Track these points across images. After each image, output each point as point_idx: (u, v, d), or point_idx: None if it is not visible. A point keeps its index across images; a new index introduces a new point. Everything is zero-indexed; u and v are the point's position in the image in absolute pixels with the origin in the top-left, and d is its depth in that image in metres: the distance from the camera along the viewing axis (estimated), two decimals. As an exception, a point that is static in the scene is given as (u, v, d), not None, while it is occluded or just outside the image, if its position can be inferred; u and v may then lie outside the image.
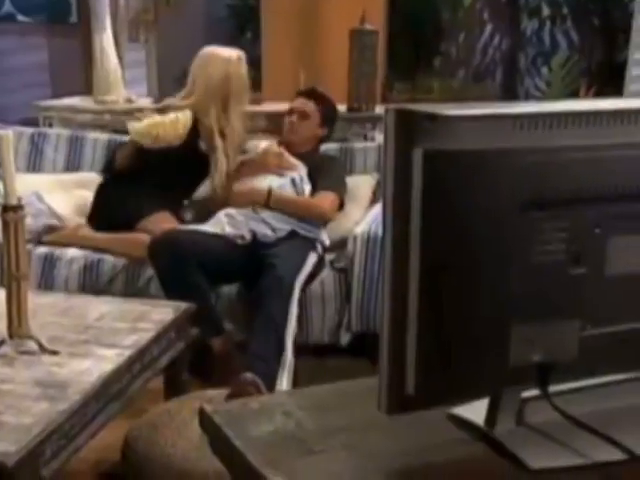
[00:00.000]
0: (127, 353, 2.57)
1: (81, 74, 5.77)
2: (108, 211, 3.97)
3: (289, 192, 3.86)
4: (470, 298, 1.08)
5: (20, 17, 6.39)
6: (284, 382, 3.31)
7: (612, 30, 6.18)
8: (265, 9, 5.47)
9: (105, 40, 4.88)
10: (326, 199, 3.84)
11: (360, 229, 3.61)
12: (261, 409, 1.29)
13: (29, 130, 4.70)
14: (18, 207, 2.48)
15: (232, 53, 4.06)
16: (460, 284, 1.07)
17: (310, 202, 3.84)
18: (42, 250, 3.85)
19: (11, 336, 2.53)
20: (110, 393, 2.43)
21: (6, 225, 2.47)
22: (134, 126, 3.93)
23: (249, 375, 2.91)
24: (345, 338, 3.63)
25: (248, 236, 3.66)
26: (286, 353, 3.35)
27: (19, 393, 2.27)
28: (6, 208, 2.47)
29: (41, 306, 2.85)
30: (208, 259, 3.47)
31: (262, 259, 3.50)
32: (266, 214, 3.73)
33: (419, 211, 1.03)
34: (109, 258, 3.80)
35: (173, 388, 3.00)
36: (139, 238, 3.77)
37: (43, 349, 2.52)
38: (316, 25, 5.25)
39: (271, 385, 3.23)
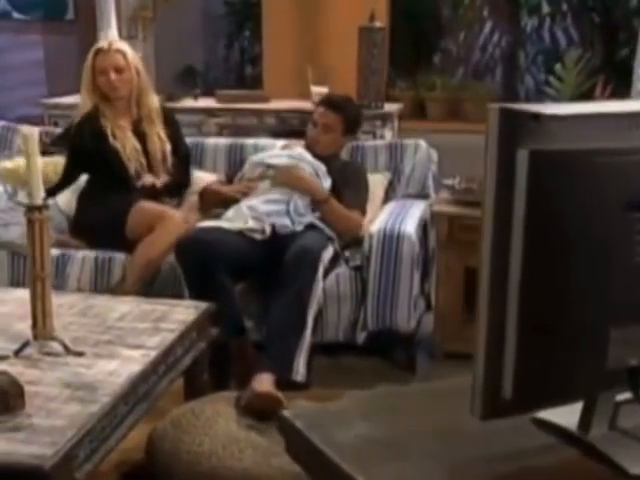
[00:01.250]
0: (153, 354, 2.54)
1: (77, 71, 5.72)
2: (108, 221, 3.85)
3: None
4: (571, 299, 1.06)
5: (16, 14, 6.34)
6: (301, 364, 3.28)
7: (613, 28, 6.19)
8: (266, 5, 5.44)
9: (110, 37, 4.83)
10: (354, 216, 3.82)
11: (376, 227, 3.58)
12: (339, 413, 1.27)
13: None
14: (43, 207, 2.45)
15: None
16: (561, 285, 1.05)
17: (352, 218, 3.78)
18: (54, 251, 3.80)
19: (35, 337, 2.50)
20: (138, 394, 2.40)
21: (31, 225, 2.44)
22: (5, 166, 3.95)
23: (271, 390, 2.96)
24: (361, 337, 3.60)
25: (268, 230, 3.62)
26: (306, 331, 3.33)
27: (47, 395, 2.23)
28: (31, 208, 2.43)
29: (59, 306, 2.81)
30: (232, 258, 3.44)
31: (284, 246, 3.47)
32: (293, 206, 3.68)
33: (522, 211, 1.01)
34: (120, 257, 3.75)
35: (193, 389, 2.97)
36: (170, 218, 3.71)
37: (68, 350, 2.49)
38: (317, 21, 5.22)
39: (288, 365, 3.24)
